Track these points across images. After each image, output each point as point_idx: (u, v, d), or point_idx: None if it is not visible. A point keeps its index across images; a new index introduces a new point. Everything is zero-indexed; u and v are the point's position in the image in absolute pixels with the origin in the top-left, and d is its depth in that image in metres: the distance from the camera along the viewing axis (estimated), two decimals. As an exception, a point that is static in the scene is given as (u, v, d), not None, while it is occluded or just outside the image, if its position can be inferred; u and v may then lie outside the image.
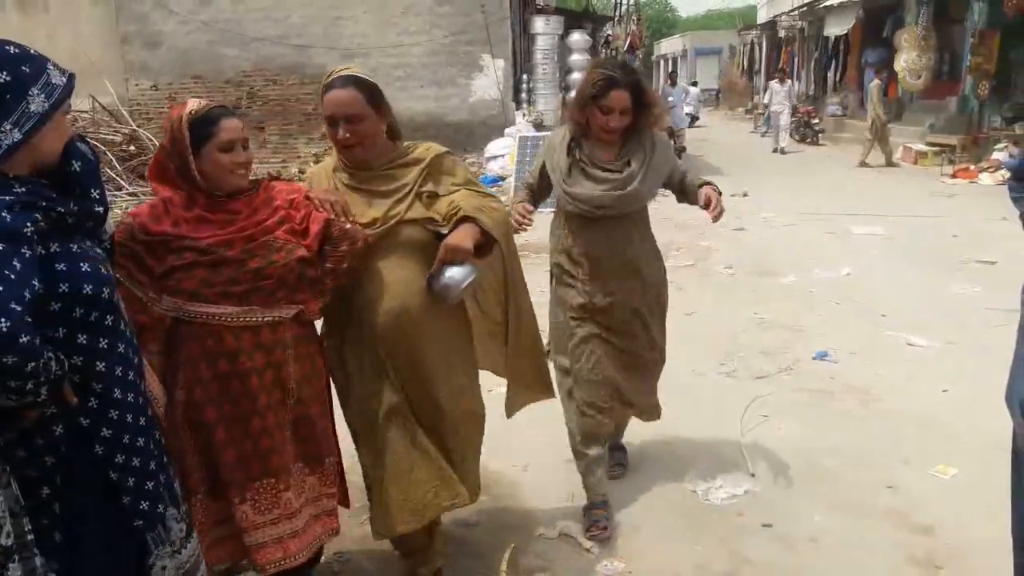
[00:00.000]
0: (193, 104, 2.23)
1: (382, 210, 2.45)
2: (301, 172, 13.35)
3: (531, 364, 2.85)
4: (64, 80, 1.72)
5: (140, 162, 11.82)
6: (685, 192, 3.19)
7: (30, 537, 1.64)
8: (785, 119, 17.97)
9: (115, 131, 12.46)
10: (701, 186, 3.12)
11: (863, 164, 14.62)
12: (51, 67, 1.71)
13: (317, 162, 14.09)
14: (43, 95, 1.66)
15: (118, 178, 11.06)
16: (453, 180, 2.53)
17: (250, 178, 2.33)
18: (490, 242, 2.49)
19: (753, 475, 3.50)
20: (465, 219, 2.43)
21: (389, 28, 14.02)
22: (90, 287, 1.71)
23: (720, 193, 3.10)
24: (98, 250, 1.84)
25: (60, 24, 13.68)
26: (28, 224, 1.61)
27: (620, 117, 2.94)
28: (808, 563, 2.90)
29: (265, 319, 2.24)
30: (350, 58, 14.03)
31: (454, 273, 2.37)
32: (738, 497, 3.33)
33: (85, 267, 1.72)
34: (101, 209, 1.81)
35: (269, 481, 2.30)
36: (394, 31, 14.04)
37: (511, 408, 2.93)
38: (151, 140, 11.97)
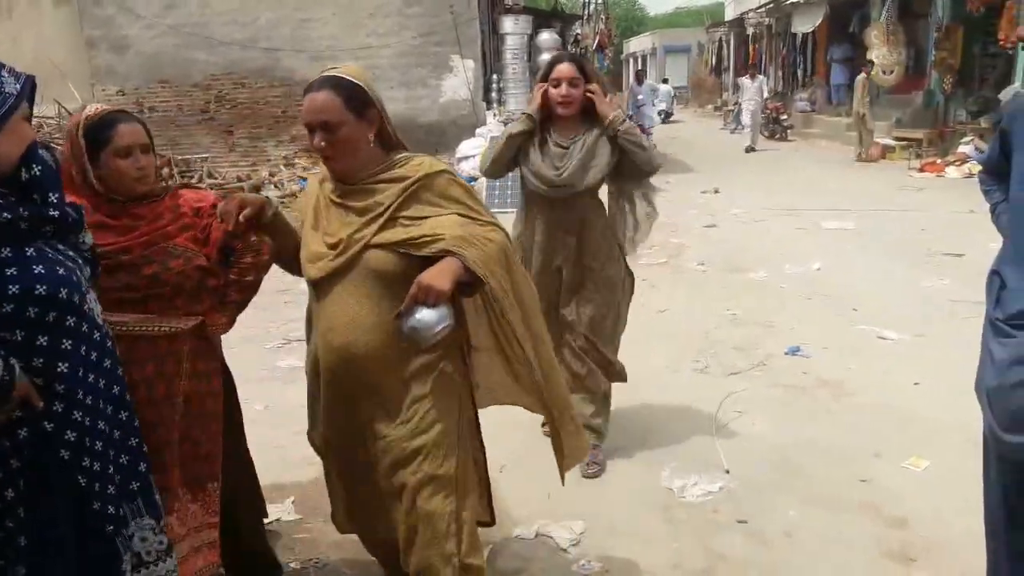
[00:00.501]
0: (90, 109, 2.21)
1: (349, 231, 2.15)
2: (271, 175, 13.24)
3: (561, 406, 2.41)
4: (18, 87, 1.69)
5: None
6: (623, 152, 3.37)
7: None
8: (757, 116, 17.89)
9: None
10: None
11: (868, 158, 14.52)
12: (5, 74, 1.69)
13: (287, 165, 14.05)
14: None
15: (169, 186, 10.90)
16: (445, 204, 2.17)
17: (169, 184, 2.30)
18: (479, 280, 2.11)
19: (728, 471, 3.51)
20: (449, 253, 2.07)
21: (358, 30, 13.94)
22: (44, 288, 1.69)
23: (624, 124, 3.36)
24: (71, 253, 1.82)
25: (24, 29, 13.43)
26: None
27: (568, 87, 3.30)
28: (783, 559, 2.91)
29: (162, 329, 2.20)
30: (319, 61, 13.94)
31: (424, 316, 2.01)
32: (713, 494, 3.33)
33: (39, 269, 1.70)
34: (57, 213, 1.78)
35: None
36: (363, 33, 13.95)
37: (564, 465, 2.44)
38: (117, 145, 11.79)
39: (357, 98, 2.11)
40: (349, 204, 2.17)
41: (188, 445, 2.33)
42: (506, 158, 3.41)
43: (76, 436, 1.77)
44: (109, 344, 1.90)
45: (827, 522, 3.12)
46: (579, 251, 3.42)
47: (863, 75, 14.97)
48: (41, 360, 1.72)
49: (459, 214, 2.15)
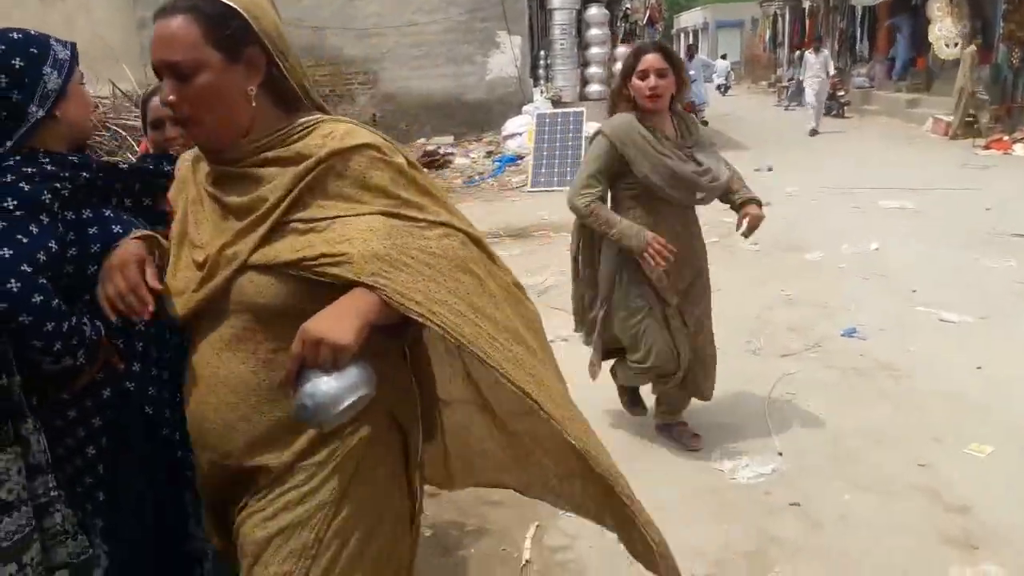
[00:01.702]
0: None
1: (221, 242, 1.42)
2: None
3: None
4: (69, 53, 1.80)
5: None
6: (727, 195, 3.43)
7: (54, 493, 1.72)
8: (822, 96, 15.90)
9: (136, 117, 12.50)
10: (745, 203, 3.39)
11: (954, 135, 13.73)
12: (54, 43, 1.79)
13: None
14: (55, 71, 1.75)
15: None
16: (365, 198, 1.40)
17: None
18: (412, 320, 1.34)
19: (780, 454, 3.42)
20: (361, 284, 1.32)
21: (404, 6, 13.91)
22: None
23: (760, 205, 3.45)
24: (140, 220, 1.91)
25: (77, 9, 13.70)
26: (46, 193, 1.68)
27: (657, 78, 3.07)
28: (837, 542, 2.82)
29: None
30: (365, 38, 13.96)
31: (319, 387, 1.27)
32: (765, 476, 3.25)
33: (117, 228, 1.79)
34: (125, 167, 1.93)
35: None
36: (409, 9, 13.92)
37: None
38: (170, 124, 12.04)
39: (227, 27, 1.38)
40: (225, 199, 1.45)
41: None
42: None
43: (157, 391, 1.87)
44: None
45: (883, 506, 3.02)
46: (694, 255, 3.40)
47: (972, 48, 13.84)
48: (120, 320, 1.74)
49: (384, 212, 1.38)
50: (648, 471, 3.32)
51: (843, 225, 7.80)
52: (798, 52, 20.94)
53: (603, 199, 3.20)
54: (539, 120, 11.60)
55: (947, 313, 5.12)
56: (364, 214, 1.38)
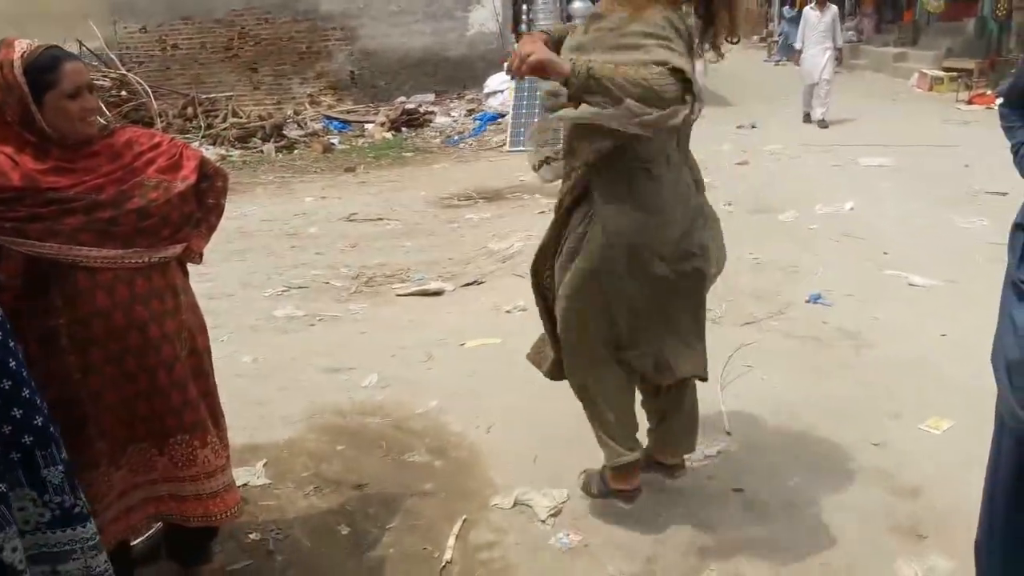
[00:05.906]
0: (23, 46, 2.00)
1: None
2: (296, 113, 13.03)
3: None
4: None
5: (131, 107, 11.61)
6: None
7: None
8: (828, 71, 10.92)
9: (104, 76, 12.17)
10: None
11: None
12: None
13: (312, 103, 13.79)
14: None
15: (109, 124, 10.86)
16: None
17: (111, 123, 2.15)
18: None
19: (729, 433, 3.28)
20: None
21: (381, -40, 13.49)
22: None
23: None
24: None
25: (44, -34, 13.23)
26: None
27: None
28: (781, 533, 2.67)
29: (153, 260, 2.15)
30: (340, -7, 13.55)
31: None
32: (710, 458, 3.11)
33: None
34: None
35: (184, 438, 2.22)
36: (386, -37, 13.50)
37: None
38: (141, 84, 11.74)
39: None
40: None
41: (202, 381, 2.31)
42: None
43: None
44: None
45: (833, 491, 2.88)
46: None
47: None
48: None
49: None
50: (579, 451, 2.97)
51: (820, 184, 7.62)
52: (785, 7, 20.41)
53: None
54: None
55: (916, 277, 4.97)
56: None
